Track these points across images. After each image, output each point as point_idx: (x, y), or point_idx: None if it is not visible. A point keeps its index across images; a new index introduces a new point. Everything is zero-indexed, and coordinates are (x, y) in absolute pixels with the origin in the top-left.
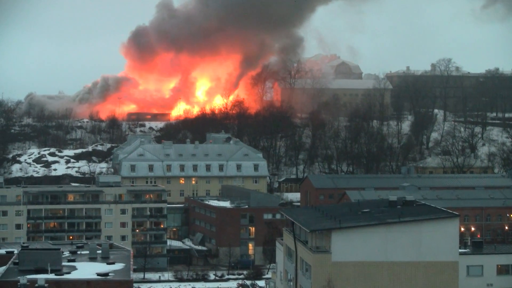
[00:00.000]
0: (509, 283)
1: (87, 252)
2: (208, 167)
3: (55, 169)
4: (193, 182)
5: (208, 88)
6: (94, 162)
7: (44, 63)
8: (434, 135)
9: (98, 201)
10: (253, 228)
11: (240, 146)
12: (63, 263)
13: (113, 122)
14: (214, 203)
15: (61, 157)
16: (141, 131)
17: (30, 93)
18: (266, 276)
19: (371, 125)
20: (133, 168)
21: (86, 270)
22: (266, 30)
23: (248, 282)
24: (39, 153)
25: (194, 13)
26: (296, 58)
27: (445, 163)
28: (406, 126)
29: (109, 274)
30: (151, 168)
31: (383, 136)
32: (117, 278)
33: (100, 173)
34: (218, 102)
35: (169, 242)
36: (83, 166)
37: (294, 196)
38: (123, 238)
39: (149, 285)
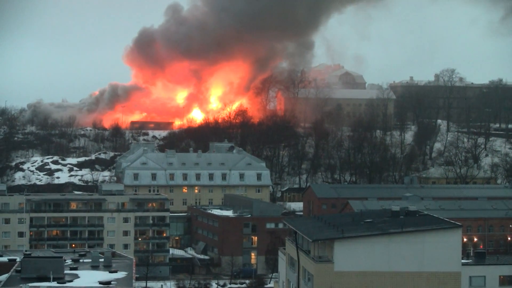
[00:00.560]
0: None
1: (90, 260)
2: (211, 176)
3: (58, 177)
4: (196, 191)
5: (222, 93)
6: (97, 170)
7: (47, 71)
8: (437, 146)
9: (100, 210)
10: (256, 237)
11: (243, 155)
12: (65, 271)
13: (116, 131)
14: (217, 212)
15: (64, 165)
16: (144, 139)
17: (38, 100)
18: (269, 285)
19: (374, 135)
20: (136, 176)
21: (88, 278)
22: (278, 35)
23: None
24: (42, 161)
25: (203, 19)
26: (306, 64)
27: (448, 173)
28: (409, 136)
29: (111, 282)
30: (154, 176)
31: (386, 146)
32: (119, 286)
33: (103, 181)
34: (222, 111)
35: (171, 250)
36: (86, 174)
37: (297, 206)
38: (126, 246)
39: None
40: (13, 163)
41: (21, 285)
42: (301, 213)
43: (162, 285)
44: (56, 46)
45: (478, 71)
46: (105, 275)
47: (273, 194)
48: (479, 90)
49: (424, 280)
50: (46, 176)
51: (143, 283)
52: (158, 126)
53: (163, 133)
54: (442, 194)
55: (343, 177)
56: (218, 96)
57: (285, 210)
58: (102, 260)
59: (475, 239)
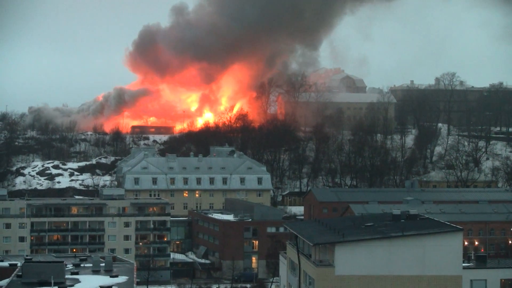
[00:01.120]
0: None
1: (91, 265)
2: (211, 180)
3: (58, 182)
4: (197, 195)
5: (232, 94)
6: (98, 175)
7: (46, 76)
8: (438, 149)
9: (101, 214)
10: (257, 242)
11: (244, 160)
12: (66, 276)
13: (117, 135)
14: (218, 216)
15: (65, 169)
16: (145, 144)
17: (41, 104)
18: None
19: (375, 139)
20: (136, 181)
21: (89, 283)
22: (286, 37)
23: None
24: (43, 166)
25: (210, 20)
26: (313, 66)
27: (449, 177)
28: (409, 140)
29: (112, 287)
30: (154, 181)
31: (387, 150)
32: None
33: (104, 186)
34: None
35: (172, 255)
36: (86, 179)
37: (298, 210)
38: (127, 251)
39: None
40: (14, 168)
41: None
42: (302, 217)
43: None
44: (56, 50)
45: (478, 75)
46: (106, 280)
47: (274, 198)
48: (480, 94)
49: (425, 284)
50: (47, 181)
51: None
52: (159, 130)
53: (163, 138)
54: (443, 198)
55: (343, 181)
56: (228, 96)
57: (286, 214)
58: (103, 264)
59: (476, 243)
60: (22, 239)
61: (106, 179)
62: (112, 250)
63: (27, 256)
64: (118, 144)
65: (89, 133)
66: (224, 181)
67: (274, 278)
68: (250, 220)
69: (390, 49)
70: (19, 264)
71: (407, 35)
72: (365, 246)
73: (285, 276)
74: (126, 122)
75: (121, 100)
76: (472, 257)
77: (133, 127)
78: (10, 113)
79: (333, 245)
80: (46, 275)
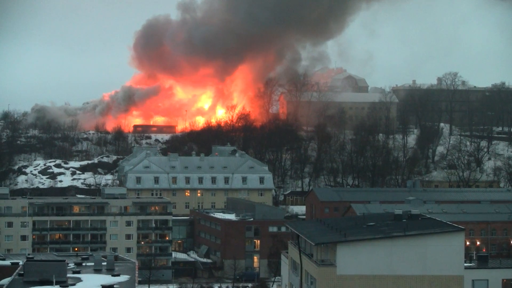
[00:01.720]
0: None
1: (92, 264)
2: (213, 180)
3: (60, 181)
4: (199, 194)
5: (244, 90)
6: (100, 174)
7: (48, 74)
8: (440, 149)
9: (103, 213)
10: (258, 241)
11: (246, 159)
12: (68, 275)
13: (119, 134)
14: (220, 215)
15: (67, 168)
16: (147, 143)
17: (45, 103)
18: None
19: (376, 139)
20: (138, 180)
21: (91, 282)
22: (296, 34)
23: None
24: (45, 165)
25: (219, 16)
26: (322, 63)
27: (451, 177)
28: (411, 139)
29: (114, 286)
30: (156, 180)
31: (389, 149)
32: None
33: (106, 185)
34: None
35: (174, 254)
36: (88, 178)
37: (300, 209)
38: (128, 250)
39: None
40: (16, 167)
41: None
42: (304, 217)
43: None
44: (58, 49)
45: (481, 75)
46: (107, 279)
47: (275, 197)
48: (482, 94)
49: (427, 284)
50: (49, 180)
51: (145, 287)
52: (161, 129)
53: (165, 137)
54: (445, 198)
55: (345, 180)
56: (241, 93)
57: (287, 213)
58: (105, 263)
59: (478, 243)
60: (24, 237)
61: (108, 178)
62: (114, 249)
63: (29, 255)
64: (120, 143)
65: (91, 132)
66: (226, 180)
67: (276, 277)
68: (252, 219)
69: (392, 48)
70: (20, 263)
71: (409, 35)
72: (366, 245)
73: (286, 276)
74: (136, 121)
75: (129, 99)
76: (474, 257)
77: (135, 126)
78: (12, 112)
79: (335, 244)
80: (47, 274)
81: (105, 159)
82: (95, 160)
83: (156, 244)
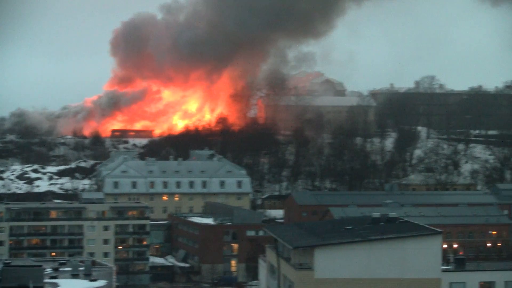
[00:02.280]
0: None
1: (70, 269)
2: (191, 184)
3: (38, 186)
4: (176, 198)
5: (231, 93)
6: (77, 178)
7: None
8: (418, 152)
9: (80, 218)
10: (236, 245)
11: (224, 163)
12: (45, 280)
13: (97, 139)
14: (197, 219)
15: (44, 173)
16: (124, 148)
17: (31, 108)
18: None
19: (354, 142)
20: (116, 184)
21: (68, 287)
22: (285, 33)
23: None
24: (22, 170)
25: (204, 18)
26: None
27: (428, 180)
28: (389, 143)
29: None
30: (134, 184)
31: (367, 153)
32: None
33: (83, 189)
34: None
35: (151, 259)
36: (66, 182)
37: (278, 213)
38: (106, 255)
39: None
40: None
41: None
42: (282, 221)
43: None
44: (39, 53)
45: (458, 78)
46: (85, 284)
47: (253, 201)
48: (459, 97)
49: (405, 287)
50: (26, 185)
51: None
52: (139, 134)
53: (143, 141)
54: (423, 201)
55: (323, 184)
56: (227, 96)
57: (265, 217)
58: (82, 268)
59: (455, 246)
60: (0, 243)
61: (85, 183)
62: (91, 254)
63: (6, 260)
64: (97, 148)
65: (68, 137)
66: (204, 184)
67: (254, 281)
68: (230, 223)
69: (371, 52)
70: None
71: (389, 38)
72: (344, 249)
73: (264, 280)
74: (119, 126)
75: (113, 104)
76: (451, 260)
77: (113, 131)
78: None
79: (313, 248)
80: (25, 279)
81: (82, 164)
82: (73, 165)
83: (133, 248)
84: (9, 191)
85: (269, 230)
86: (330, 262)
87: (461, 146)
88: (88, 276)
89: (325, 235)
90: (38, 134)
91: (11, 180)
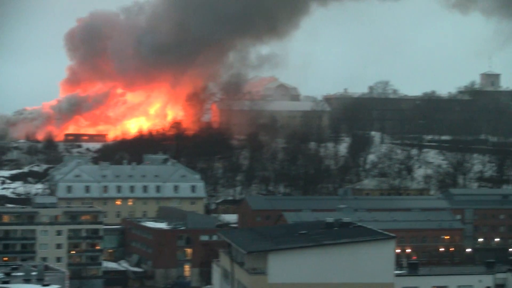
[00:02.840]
0: None
1: (22, 273)
2: (145, 188)
3: None
4: (130, 203)
5: (189, 95)
6: (30, 183)
7: None
8: (371, 157)
9: (33, 223)
10: (190, 250)
11: (178, 168)
12: None
13: (50, 143)
14: (151, 224)
15: None
16: (78, 152)
17: None
18: None
19: (308, 147)
20: (69, 189)
21: None
22: (243, 37)
23: None
24: None
25: (167, 21)
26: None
27: (382, 185)
28: (343, 148)
29: None
30: (87, 189)
31: (321, 158)
32: None
33: (36, 194)
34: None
35: (105, 263)
36: (18, 187)
37: (232, 218)
38: (59, 259)
39: None
40: None
41: None
42: (236, 225)
43: None
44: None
45: (412, 83)
46: None
47: (207, 206)
48: (413, 102)
49: None
50: None
51: None
52: (92, 138)
53: (97, 145)
54: (376, 206)
55: (277, 189)
56: (184, 100)
57: (219, 222)
58: (35, 273)
59: (409, 250)
60: None
61: (38, 187)
62: (44, 259)
63: None
64: (51, 152)
65: (21, 141)
66: (158, 189)
67: (208, 286)
68: (184, 228)
69: (326, 56)
70: None
71: (343, 42)
72: (298, 254)
73: (218, 284)
74: (81, 130)
75: (74, 108)
76: (405, 265)
77: (66, 135)
78: None
79: (266, 253)
80: None
81: (35, 168)
82: (26, 169)
83: (86, 253)
84: None
85: (223, 235)
86: (283, 266)
87: (414, 151)
88: (40, 281)
89: (279, 240)
90: None
91: None
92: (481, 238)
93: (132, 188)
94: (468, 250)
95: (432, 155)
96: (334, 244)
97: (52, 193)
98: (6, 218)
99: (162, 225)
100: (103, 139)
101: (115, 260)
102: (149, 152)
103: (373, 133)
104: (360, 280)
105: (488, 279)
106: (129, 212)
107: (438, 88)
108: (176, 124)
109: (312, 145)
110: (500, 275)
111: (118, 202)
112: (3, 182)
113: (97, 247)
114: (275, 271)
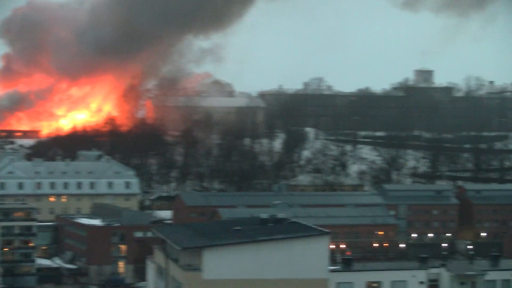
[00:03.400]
0: None
1: None
2: (79, 185)
3: None
4: (64, 200)
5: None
6: None
7: None
8: (306, 153)
9: None
10: (124, 246)
11: (112, 164)
12: None
13: None
14: (85, 221)
15: None
16: (11, 148)
17: None
18: None
19: (243, 143)
20: (2, 186)
21: None
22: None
23: None
24: None
25: (108, 14)
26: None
27: (316, 181)
28: (278, 144)
29: None
30: (20, 185)
31: (255, 154)
32: None
33: None
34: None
35: (38, 260)
36: None
37: (166, 214)
38: None
39: None
40: None
41: None
42: (170, 222)
43: None
44: None
45: (346, 80)
46: None
47: (142, 202)
48: (347, 98)
49: (292, 287)
50: None
51: None
52: (26, 134)
53: (30, 142)
54: (311, 202)
55: (212, 185)
56: (119, 96)
57: (154, 218)
58: None
59: (343, 246)
60: None
61: None
62: None
63: None
64: None
65: None
66: (92, 185)
67: (142, 283)
68: (118, 225)
69: (261, 52)
70: None
71: (279, 38)
72: (233, 250)
73: (152, 281)
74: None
75: (15, 104)
76: (339, 260)
77: None
78: None
79: (201, 249)
80: None
81: None
82: None
83: (19, 250)
84: None
85: (157, 231)
86: (218, 263)
87: (348, 147)
88: None
89: (214, 236)
90: None
91: None
92: (415, 233)
93: (66, 185)
94: (402, 245)
95: (366, 151)
96: (268, 240)
97: None
98: None
99: (96, 222)
100: (37, 136)
101: (49, 257)
102: (83, 148)
103: (307, 129)
104: (295, 276)
105: (421, 275)
106: (62, 209)
107: (373, 84)
108: (111, 120)
109: (247, 141)
110: (433, 271)
111: (52, 199)
112: None
113: (30, 244)
114: (210, 268)
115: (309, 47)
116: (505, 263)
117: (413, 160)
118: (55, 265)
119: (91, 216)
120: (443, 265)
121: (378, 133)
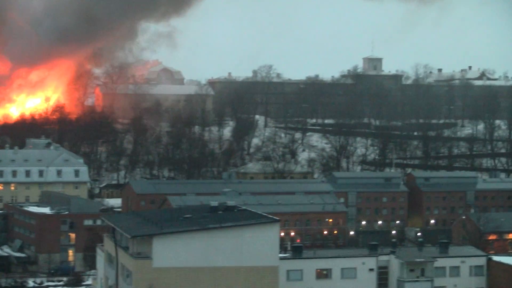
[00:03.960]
0: (328, 287)
1: None
2: (27, 173)
3: None
4: (12, 188)
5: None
6: None
7: None
8: (255, 141)
9: None
10: (74, 235)
11: (61, 152)
12: None
13: None
14: (34, 209)
15: None
16: None
17: None
18: (87, 282)
19: (193, 131)
20: None
21: None
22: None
23: None
24: None
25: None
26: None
27: (266, 168)
28: (227, 132)
29: None
30: None
31: (205, 141)
32: None
33: None
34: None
35: None
36: None
37: (116, 202)
38: None
39: None
40: None
41: None
42: (120, 210)
43: None
44: None
45: (295, 67)
46: None
47: (91, 190)
48: (297, 86)
49: (243, 275)
50: None
51: None
52: None
53: None
54: (260, 189)
55: (161, 173)
56: (73, 81)
57: (103, 206)
58: None
59: (293, 234)
60: None
61: None
62: None
63: None
64: None
65: None
66: (41, 173)
67: (92, 271)
68: (67, 213)
69: (208, 41)
70: None
71: (230, 25)
72: (183, 238)
73: (102, 269)
74: None
75: None
76: (289, 248)
77: None
78: None
79: (151, 237)
80: None
81: None
82: None
83: None
84: None
85: (107, 219)
86: (168, 251)
87: (298, 135)
88: None
89: (163, 224)
90: None
91: None
92: (364, 221)
93: (14, 173)
94: (352, 233)
95: (316, 139)
96: (218, 228)
97: None
98: None
99: (45, 210)
100: None
101: None
102: (32, 136)
103: (257, 117)
104: (245, 264)
105: (371, 262)
106: (11, 197)
107: (322, 72)
108: (59, 108)
109: (196, 129)
110: (383, 257)
111: (0, 187)
112: None
113: None
114: (159, 256)
115: (259, 35)
116: (453, 250)
117: (362, 147)
118: (4, 254)
119: (40, 204)
120: (392, 252)
121: (327, 121)
